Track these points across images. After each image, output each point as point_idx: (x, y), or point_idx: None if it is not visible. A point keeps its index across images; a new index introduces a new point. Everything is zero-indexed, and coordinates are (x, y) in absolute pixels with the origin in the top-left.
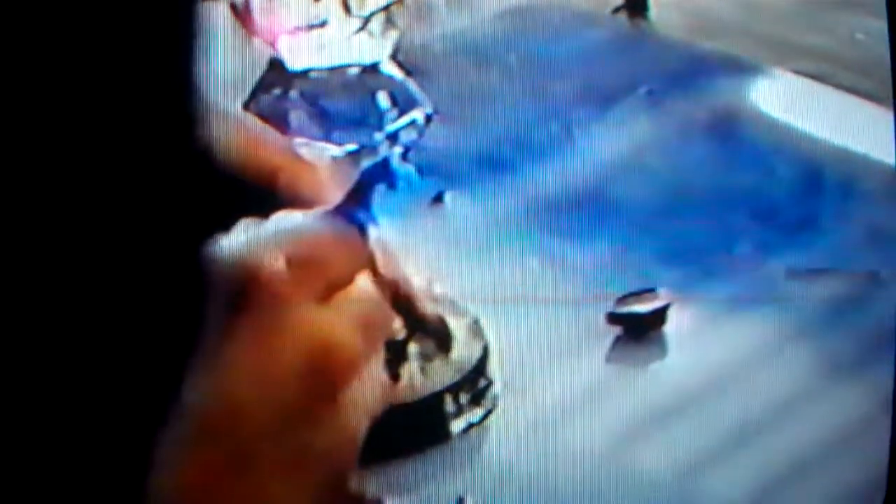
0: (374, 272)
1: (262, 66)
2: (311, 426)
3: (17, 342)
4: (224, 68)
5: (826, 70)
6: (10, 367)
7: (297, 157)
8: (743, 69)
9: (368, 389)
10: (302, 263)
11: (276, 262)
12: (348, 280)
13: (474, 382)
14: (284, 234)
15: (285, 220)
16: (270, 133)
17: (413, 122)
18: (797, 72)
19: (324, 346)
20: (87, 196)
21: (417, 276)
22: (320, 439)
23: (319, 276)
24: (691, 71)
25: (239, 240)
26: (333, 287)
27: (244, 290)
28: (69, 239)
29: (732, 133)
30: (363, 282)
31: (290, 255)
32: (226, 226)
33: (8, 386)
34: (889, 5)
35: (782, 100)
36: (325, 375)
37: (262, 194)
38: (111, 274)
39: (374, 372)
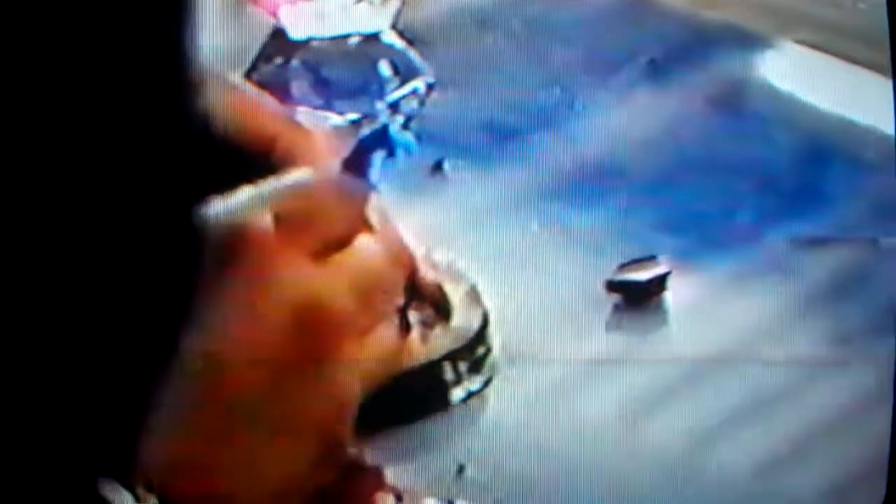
0: (376, 236)
1: (264, 35)
2: (302, 387)
3: (12, 301)
4: (225, 37)
5: (830, 40)
6: (5, 327)
7: (295, 125)
8: (746, 39)
9: (367, 354)
10: (293, 220)
11: (265, 219)
12: (345, 239)
13: (473, 350)
14: (275, 192)
15: (275, 179)
16: (268, 101)
17: (414, 91)
18: (800, 42)
19: (313, 303)
20: (85, 163)
21: (417, 243)
22: (312, 401)
23: (312, 232)
24: (694, 40)
25: (230, 199)
26: (329, 246)
27: (231, 247)
28: (68, 203)
29: (734, 102)
30: (367, 243)
31: (280, 212)
32: (224, 192)
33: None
34: None
35: (785, 70)
36: (315, 334)
37: (260, 162)
38: (108, 242)
39: (376, 337)
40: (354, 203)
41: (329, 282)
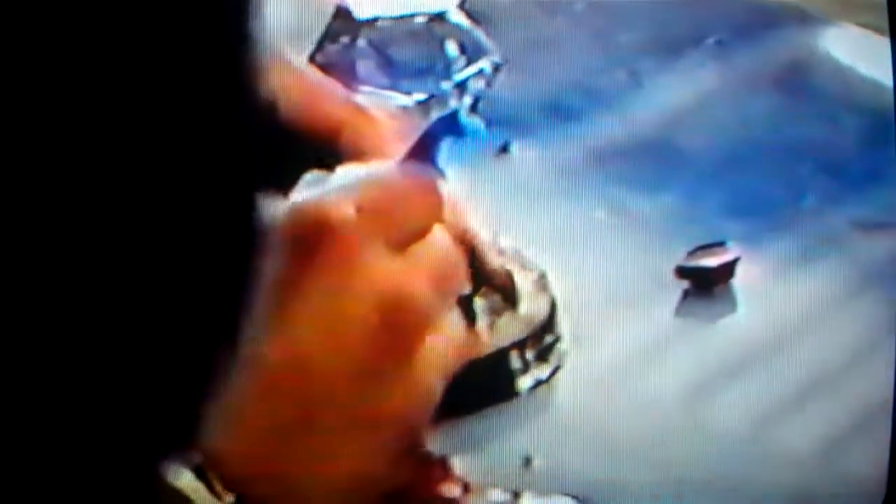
0: (446, 223)
1: (329, 15)
2: (382, 383)
3: (73, 289)
4: (289, 19)
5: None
6: (64, 315)
7: (361, 111)
8: (812, 21)
9: (443, 346)
10: (374, 212)
11: (347, 211)
12: (423, 231)
13: (541, 339)
14: (356, 184)
15: (355, 170)
16: (334, 86)
17: (481, 72)
18: (863, 25)
19: (396, 298)
20: (148, 149)
21: (484, 229)
22: (393, 397)
23: (393, 225)
24: (760, 21)
25: (307, 191)
26: (408, 238)
27: (314, 239)
28: (134, 191)
29: (800, 84)
30: (439, 233)
31: (361, 204)
32: (290, 179)
33: (60, 334)
34: None
35: (850, 52)
36: (398, 329)
37: (326, 148)
38: (169, 228)
39: (449, 328)
40: (432, 194)
41: (410, 274)
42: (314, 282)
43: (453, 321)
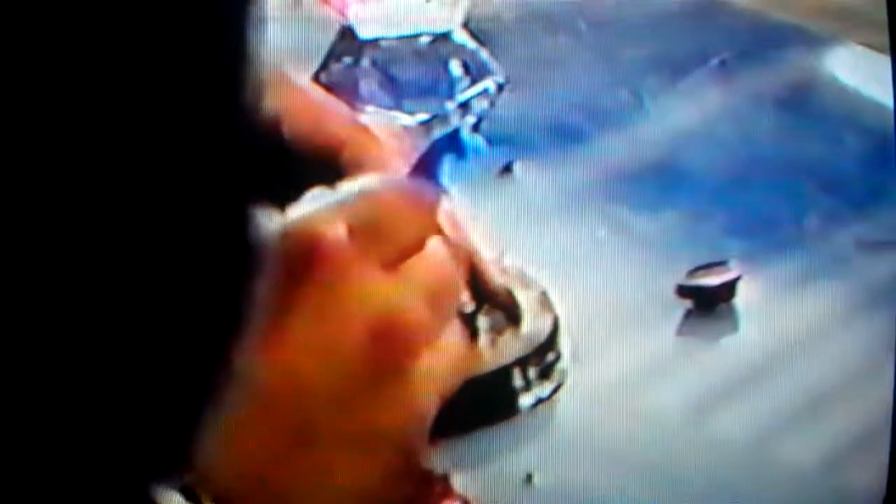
0: (445, 240)
1: (333, 35)
2: (377, 399)
3: (68, 306)
4: (294, 38)
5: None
6: (57, 334)
7: (364, 129)
8: (815, 40)
9: (440, 363)
10: (366, 229)
11: (338, 230)
12: (417, 245)
13: (543, 356)
14: (347, 202)
15: (347, 187)
16: (337, 105)
17: (485, 91)
18: (864, 44)
19: (389, 315)
20: (146, 165)
21: (486, 248)
22: (388, 415)
23: (385, 241)
24: (764, 41)
25: (301, 210)
26: (401, 254)
27: (305, 259)
28: (130, 206)
29: (803, 104)
30: (434, 247)
31: (353, 222)
32: (293, 197)
33: (52, 354)
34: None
35: (853, 71)
36: (391, 346)
37: (328, 166)
38: (165, 246)
39: (446, 344)
40: (425, 209)
41: (403, 291)
42: (306, 301)
43: (451, 337)
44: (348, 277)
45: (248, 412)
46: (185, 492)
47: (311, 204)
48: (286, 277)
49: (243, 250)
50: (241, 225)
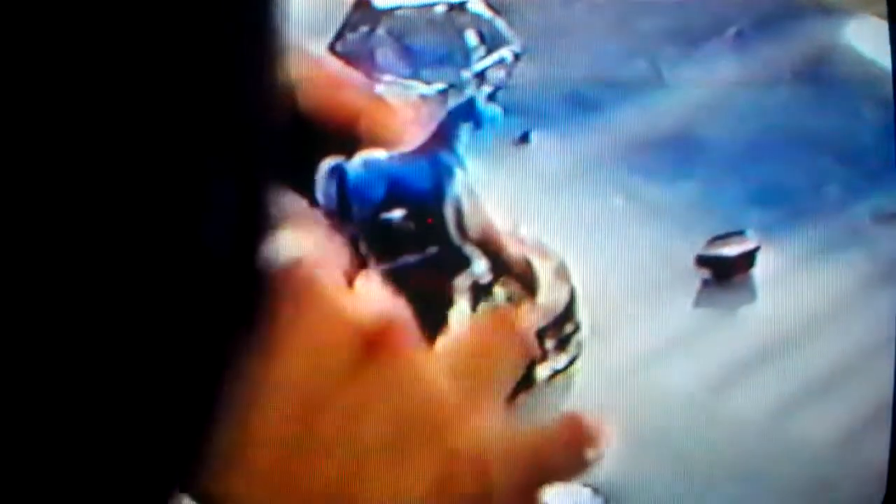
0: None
1: (349, 4)
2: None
3: (70, 314)
4: (309, 8)
5: None
6: (57, 345)
7: (380, 100)
8: (832, 11)
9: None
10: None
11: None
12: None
13: (560, 327)
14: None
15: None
16: (353, 75)
17: (501, 61)
18: (880, 15)
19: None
20: (158, 139)
21: (503, 218)
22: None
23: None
24: (781, 12)
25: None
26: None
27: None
28: (139, 182)
29: (820, 75)
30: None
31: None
32: (308, 167)
33: (53, 367)
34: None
35: (870, 43)
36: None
37: (344, 136)
38: (174, 228)
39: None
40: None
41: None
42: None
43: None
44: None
45: (258, 418)
46: (195, 496)
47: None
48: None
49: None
50: (256, 203)
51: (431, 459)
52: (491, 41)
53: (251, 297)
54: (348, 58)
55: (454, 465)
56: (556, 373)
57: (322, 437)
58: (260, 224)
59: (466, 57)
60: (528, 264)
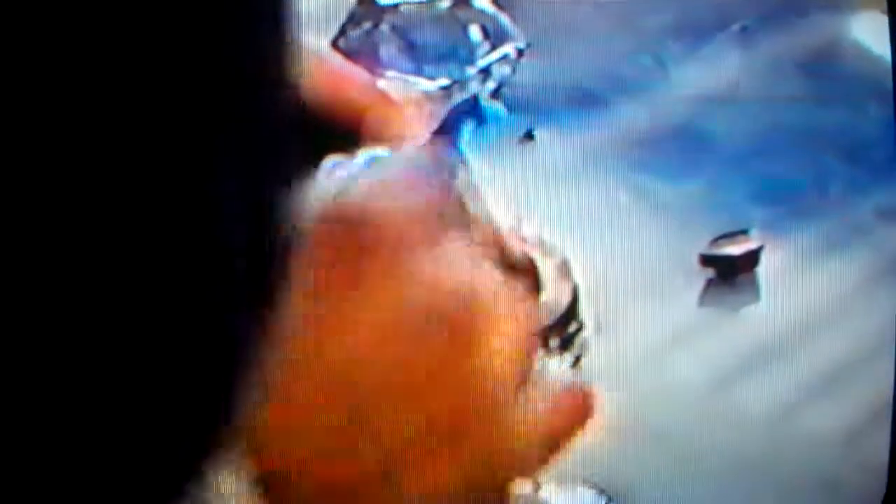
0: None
1: (352, 0)
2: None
3: (90, 298)
4: (312, 3)
5: None
6: (94, 316)
7: (384, 96)
8: (837, 6)
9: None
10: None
11: (389, 204)
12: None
13: (564, 326)
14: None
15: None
16: (356, 71)
17: (505, 57)
18: (885, 11)
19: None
20: (166, 134)
21: (506, 215)
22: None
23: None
24: (786, 6)
25: (334, 183)
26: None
27: (359, 235)
28: (158, 174)
29: (825, 71)
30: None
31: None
32: (310, 164)
33: (92, 335)
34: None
35: (875, 38)
36: (464, 328)
37: (347, 133)
38: (187, 216)
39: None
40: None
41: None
42: (368, 278)
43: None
44: (406, 256)
45: (299, 391)
46: (232, 469)
47: (339, 173)
48: (332, 254)
49: (271, 223)
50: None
51: (476, 451)
52: (495, 37)
53: (265, 284)
54: (351, 54)
55: (494, 458)
56: None
57: (370, 421)
58: (267, 214)
59: (470, 53)
60: (532, 262)
